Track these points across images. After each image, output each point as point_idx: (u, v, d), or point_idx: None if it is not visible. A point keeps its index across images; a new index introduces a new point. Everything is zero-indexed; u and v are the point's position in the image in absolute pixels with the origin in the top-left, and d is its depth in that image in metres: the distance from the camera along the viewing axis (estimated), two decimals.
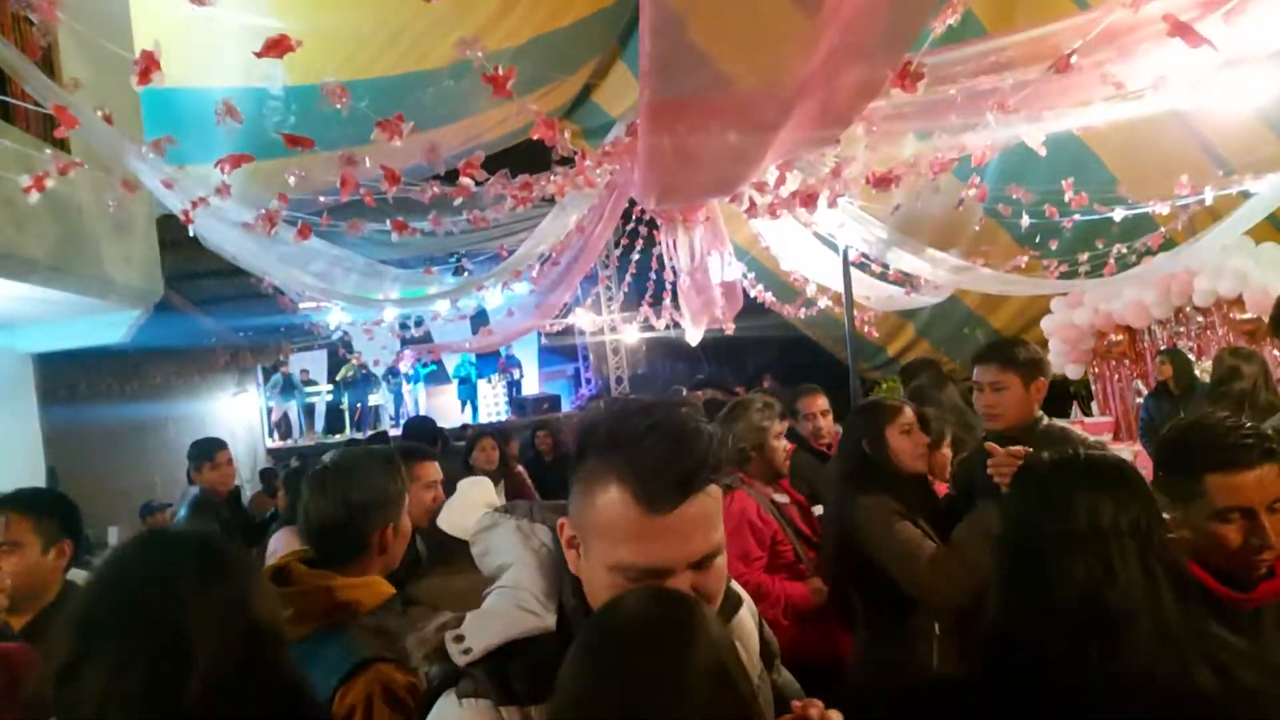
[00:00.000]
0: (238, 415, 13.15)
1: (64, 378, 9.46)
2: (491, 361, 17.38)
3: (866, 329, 9.75)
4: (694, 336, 9.78)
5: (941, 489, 3.40)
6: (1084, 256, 7.03)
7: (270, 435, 15.18)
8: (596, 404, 1.34)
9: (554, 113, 7.90)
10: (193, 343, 11.15)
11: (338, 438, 15.03)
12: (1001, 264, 7.12)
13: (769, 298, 10.13)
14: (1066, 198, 5.50)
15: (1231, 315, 8.31)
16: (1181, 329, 9.05)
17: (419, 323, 9.60)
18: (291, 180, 3.70)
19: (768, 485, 3.54)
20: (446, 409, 16.54)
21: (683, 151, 3.80)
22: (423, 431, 5.84)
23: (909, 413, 3.11)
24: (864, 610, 3.08)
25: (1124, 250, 6.86)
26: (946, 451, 3.68)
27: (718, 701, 0.97)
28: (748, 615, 1.40)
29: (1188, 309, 8.77)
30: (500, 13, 6.74)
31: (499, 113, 7.41)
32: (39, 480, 6.40)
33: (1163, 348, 8.42)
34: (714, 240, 7.37)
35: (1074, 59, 3.14)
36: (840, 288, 6.59)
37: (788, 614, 3.24)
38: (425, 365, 16.47)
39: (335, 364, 16.42)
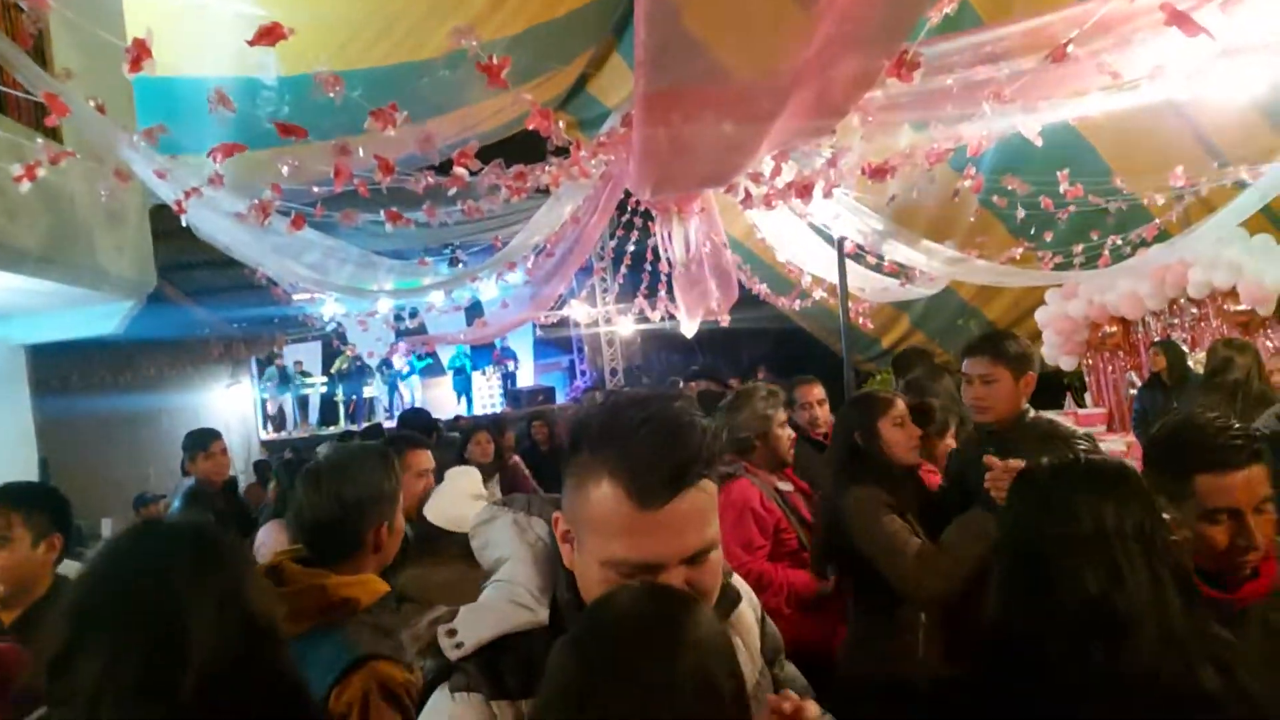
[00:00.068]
0: (232, 407, 13.14)
1: (57, 369, 9.41)
2: (486, 353, 17.38)
3: (861, 321, 9.76)
4: (689, 328, 9.79)
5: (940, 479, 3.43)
6: (1079, 248, 7.04)
7: (264, 427, 15.17)
8: (591, 396, 1.33)
9: (549, 103, 7.89)
10: (186, 334, 11.11)
11: (332, 430, 15.02)
12: (996, 256, 7.13)
13: (764, 289, 10.13)
14: (1062, 188, 5.50)
15: (1225, 307, 8.32)
16: (1175, 321, 9.07)
17: (413, 314, 9.59)
18: (285, 170, 3.68)
19: (772, 473, 3.55)
20: (442, 400, 16.56)
21: (678, 142, 3.78)
22: (418, 423, 5.84)
23: (901, 405, 3.14)
24: (853, 599, 3.10)
25: (1119, 242, 6.87)
26: (950, 442, 3.70)
27: (702, 703, 0.97)
28: (748, 610, 1.40)
29: (1182, 301, 8.79)
30: (495, 2, 6.71)
31: (494, 103, 7.38)
32: (31, 472, 6.38)
33: (1156, 339, 8.44)
34: (709, 231, 7.37)
35: (1070, 48, 3.13)
36: (835, 279, 6.58)
37: (790, 602, 3.25)
38: (420, 358, 16.46)
39: (329, 356, 16.41)
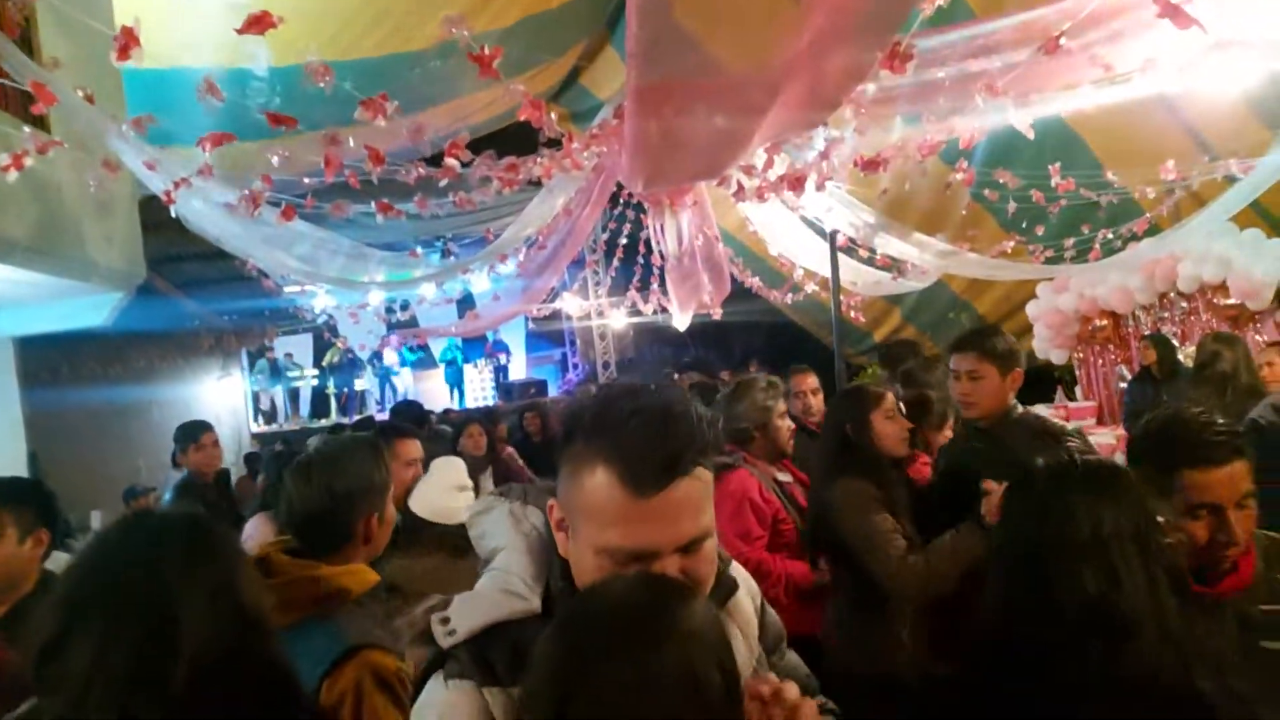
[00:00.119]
0: (222, 399, 13.09)
1: (45, 361, 9.37)
2: (478, 346, 17.35)
3: (853, 314, 9.77)
4: (681, 321, 9.79)
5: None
6: (1070, 242, 7.06)
7: (255, 419, 15.12)
8: (586, 388, 1.33)
9: (541, 96, 7.85)
10: (176, 326, 11.06)
11: (323, 422, 14.98)
12: (988, 249, 7.14)
13: (756, 283, 10.14)
14: (1053, 182, 5.51)
15: (1215, 301, 8.36)
16: (1165, 314, 9.10)
17: (404, 306, 9.56)
18: (275, 161, 3.66)
19: (771, 464, 3.57)
20: (433, 393, 16.52)
21: (670, 135, 3.77)
22: (410, 416, 5.84)
23: (892, 398, 3.19)
24: (839, 589, 3.12)
25: (1109, 236, 6.90)
26: (948, 434, 3.72)
27: (687, 697, 0.96)
28: (746, 599, 1.40)
29: (1172, 295, 8.82)
30: None
31: (485, 95, 7.36)
32: (20, 465, 6.35)
33: (1147, 333, 8.48)
34: (701, 224, 7.36)
35: (1063, 40, 3.14)
36: (827, 273, 6.59)
37: (789, 593, 3.27)
38: (412, 350, 16.43)
39: (320, 348, 16.35)
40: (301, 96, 3.58)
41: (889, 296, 10.37)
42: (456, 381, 17.11)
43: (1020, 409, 3.02)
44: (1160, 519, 1.43)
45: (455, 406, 15.71)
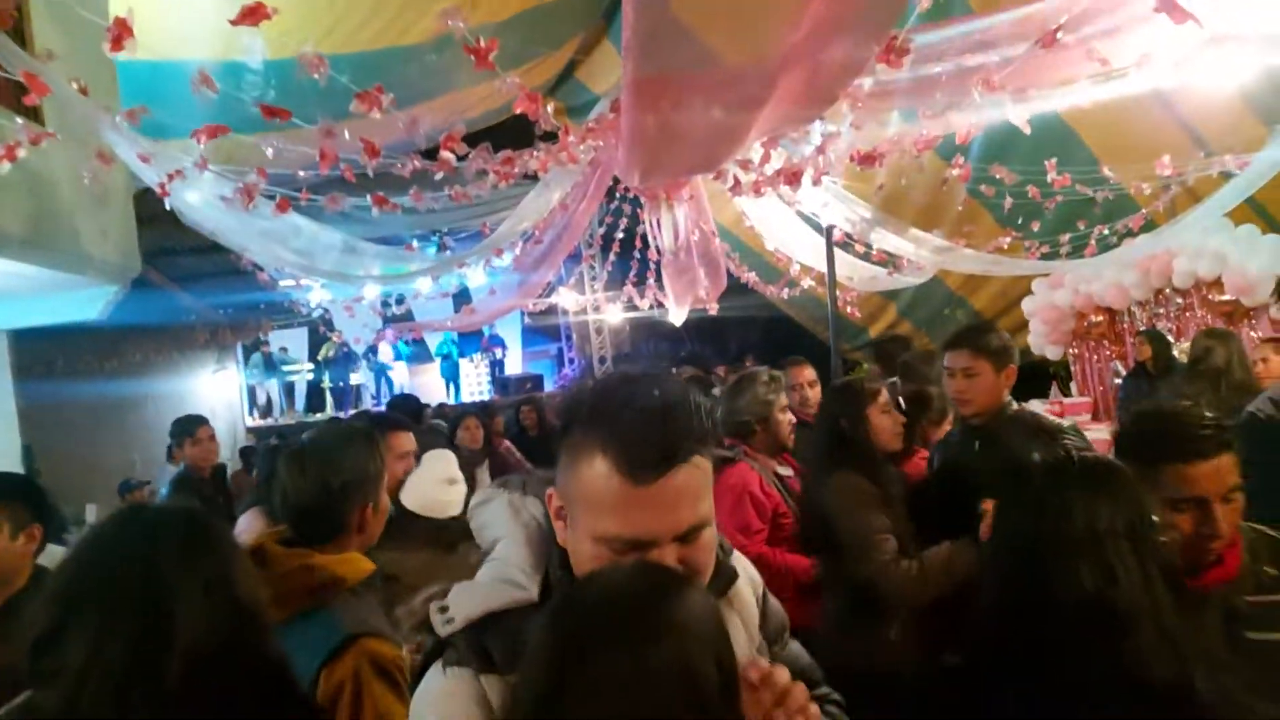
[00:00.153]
0: (218, 393, 13.07)
1: (40, 354, 9.35)
2: (474, 340, 17.33)
3: (849, 310, 9.77)
4: (677, 316, 9.80)
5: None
6: (1065, 238, 7.07)
7: (250, 414, 15.10)
8: (583, 380, 1.34)
9: (537, 90, 7.85)
10: (172, 320, 11.05)
11: (318, 416, 14.97)
12: (984, 245, 7.15)
13: (752, 278, 10.14)
14: (1049, 178, 5.52)
15: (1210, 297, 8.38)
16: (1161, 310, 9.12)
17: (400, 300, 9.54)
18: (270, 153, 3.64)
19: (772, 458, 3.57)
20: (429, 388, 16.51)
21: (667, 128, 3.77)
22: (407, 409, 5.83)
23: (885, 393, 3.20)
24: (830, 584, 3.13)
25: (1105, 232, 6.90)
26: (947, 428, 3.74)
27: (680, 689, 0.96)
28: (746, 588, 1.40)
29: (1167, 291, 8.84)
30: None
31: (481, 89, 7.34)
32: (14, 459, 6.34)
33: (1142, 329, 8.49)
34: (698, 219, 7.36)
35: (1060, 35, 3.14)
36: (823, 268, 6.59)
37: (789, 586, 3.27)
38: (407, 344, 16.40)
39: (316, 342, 16.32)
40: (296, 90, 3.57)
41: (885, 292, 10.37)
42: (452, 376, 17.10)
43: (1015, 406, 3.03)
44: (1155, 518, 1.43)
45: (451, 401, 15.71)
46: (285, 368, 15.94)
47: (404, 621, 1.26)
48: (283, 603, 1.79)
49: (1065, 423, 3.07)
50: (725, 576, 1.31)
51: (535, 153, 4.89)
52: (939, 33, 3.96)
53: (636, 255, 10.12)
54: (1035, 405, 4.45)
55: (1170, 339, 7.64)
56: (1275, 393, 3.22)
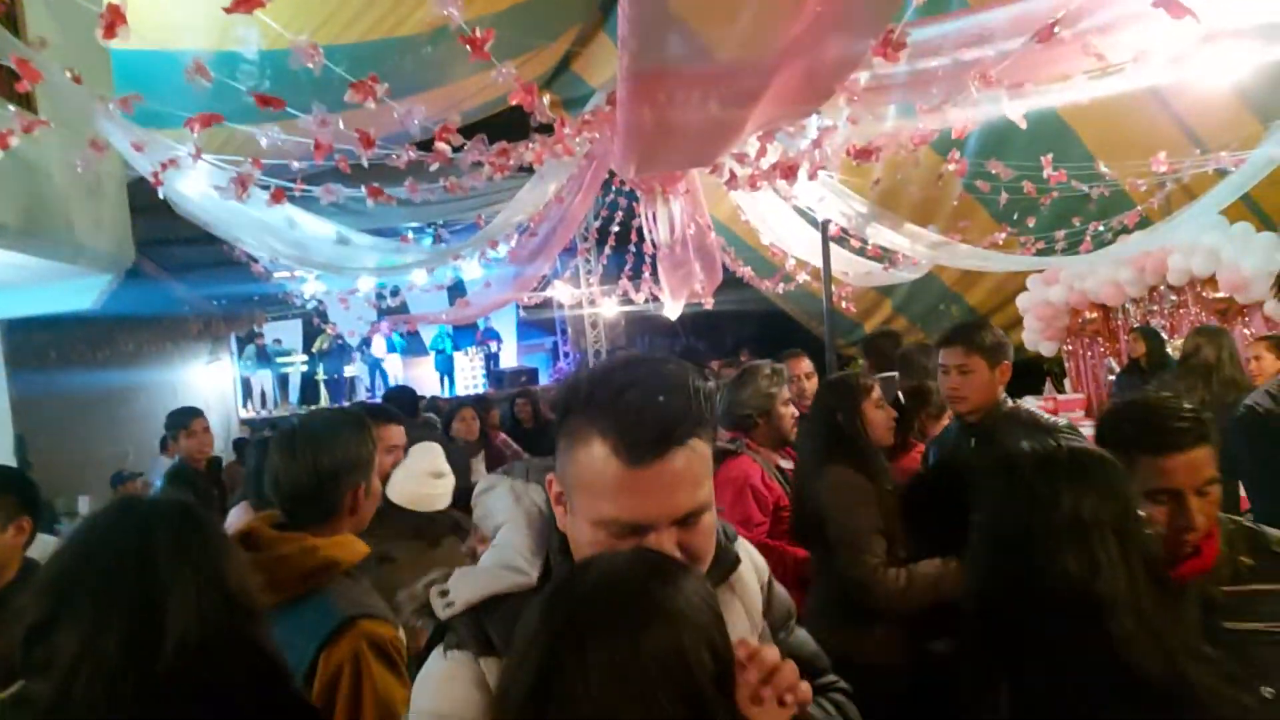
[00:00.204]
0: (211, 385, 13.02)
1: (33, 345, 9.31)
2: (469, 334, 17.30)
3: (844, 305, 9.78)
4: (673, 310, 9.79)
5: None
6: (1060, 234, 7.08)
7: (244, 405, 15.06)
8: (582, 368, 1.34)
9: (533, 82, 7.83)
10: (165, 310, 11.00)
11: (313, 409, 14.92)
12: (979, 240, 7.16)
13: (748, 272, 10.13)
14: (1045, 174, 5.52)
15: (1204, 294, 8.40)
16: (1155, 307, 9.14)
17: (395, 292, 9.52)
18: (264, 143, 3.63)
19: (774, 451, 3.59)
20: (423, 380, 16.48)
21: (663, 121, 3.76)
22: (403, 401, 5.83)
23: (878, 388, 3.22)
24: (818, 576, 3.14)
25: (1100, 228, 6.92)
26: (946, 422, 3.74)
27: (671, 677, 0.95)
28: (750, 574, 1.40)
29: (1161, 288, 8.86)
30: None
31: (477, 80, 7.33)
32: (7, 450, 6.31)
33: (1136, 326, 8.51)
34: (694, 213, 7.35)
35: (1056, 29, 3.14)
36: (819, 263, 6.59)
37: (790, 578, 3.28)
38: (401, 336, 16.37)
39: (310, 334, 16.27)
40: (291, 81, 3.55)
41: (880, 288, 10.38)
42: (446, 369, 17.07)
43: (1010, 403, 3.03)
44: (1142, 513, 1.44)
45: (445, 394, 15.68)
46: (279, 359, 15.91)
47: (405, 606, 1.27)
48: (278, 586, 1.80)
49: (1061, 420, 3.08)
50: (727, 562, 1.31)
51: (531, 145, 4.88)
52: (936, 27, 3.96)
53: (632, 249, 10.11)
54: (1029, 402, 4.47)
55: (1164, 336, 7.66)
56: (1272, 387, 3.23)
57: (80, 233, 5.16)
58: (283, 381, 16.16)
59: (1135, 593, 1.31)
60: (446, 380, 16.94)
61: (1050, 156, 5.54)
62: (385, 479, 2.85)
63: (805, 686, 1.08)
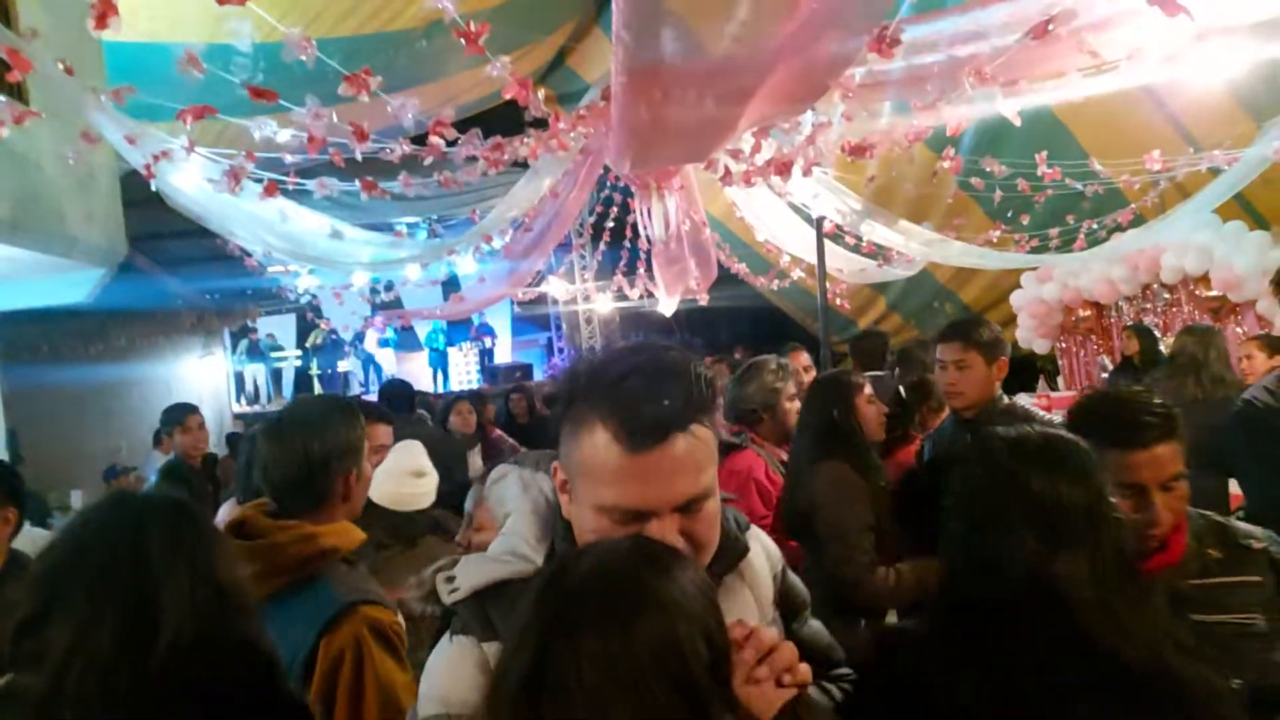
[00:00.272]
0: (204, 379, 12.97)
1: (25, 338, 9.25)
2: (464, 329, 17.28)
3: (839, 302, 9.79)
4: (668, 306, 9.78)
5: None
6: (1054, 232, 7.10)
7: (238, 400, 15.04)
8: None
9: (528, 77, 7.82)
10: (158, 305, 10.92)
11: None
12: (974, 238, 7.17)
13: (743, 269, 10.14)
14: (1040, 171, 5.53)
15: (1197, 292, 8.44)
16: (1148, 305, 9.18)
17: (389, 287, 9.49)
18: (257, 136, 3.62)
19: (778, 446, 3.58)
20: (417, 376, 16.45)
21: (657, 117, 3.76)
22: (399, 395, 5.81)
23: (869, 385, 3.24)
24: (807, 571, 3.15)
25: (1094, 226, 6.94)
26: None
27: (663, 667, 0.95)
28: (761, 563, 1.39)
29: (1154, 286, 8.89)
30: None
31: (471, 74, 7.31)
32: None
33: (1129, 323, 8.54)
34: (688, 209, 7.35)
35: (1051, 26, 3.14)
36: (814, 259, 6.60)
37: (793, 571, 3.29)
38: (395, 330, 16.35)
39: (304, 329, 16.25)
40: (286, 76, 3.54)
41: (874, 285, 10.40)
42: (440, 364, 17.05)
43: (1006, 399, 3.04)
44: (1115, 500, 1.44)
45: (438, 390, 15.67)
46: (273, 354, 15.88)
47: (413, 591, 1.29)
48: (276, 573, 1.80)
49: (1056, 418, 3.09)
50: (736, 550, 1.31)
51: (525, 139, 4.87)
52: (930, 24, 3.96)
53: (627, 245, 10.10)
54: (1023, 399, 4.48)
55: (1157, 334, 7.68)
56: (1270, 382, 3.25)
57: (72, 226, 5.14)
58: (276, 376, 16.15)
59: (1100, 576, 1.31)
60: (440, 375, 16.93)
61: (1044, 154, 5.56)
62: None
63: (805, 668, 1.08)
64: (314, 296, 11.10)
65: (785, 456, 3.58)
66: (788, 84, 3.68)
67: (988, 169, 5.79)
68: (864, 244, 7.68)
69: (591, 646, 0.95)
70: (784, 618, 1.43)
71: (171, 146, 4.00)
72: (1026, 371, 10.14)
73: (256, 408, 14.94)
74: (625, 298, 12.83)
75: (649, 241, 7.94)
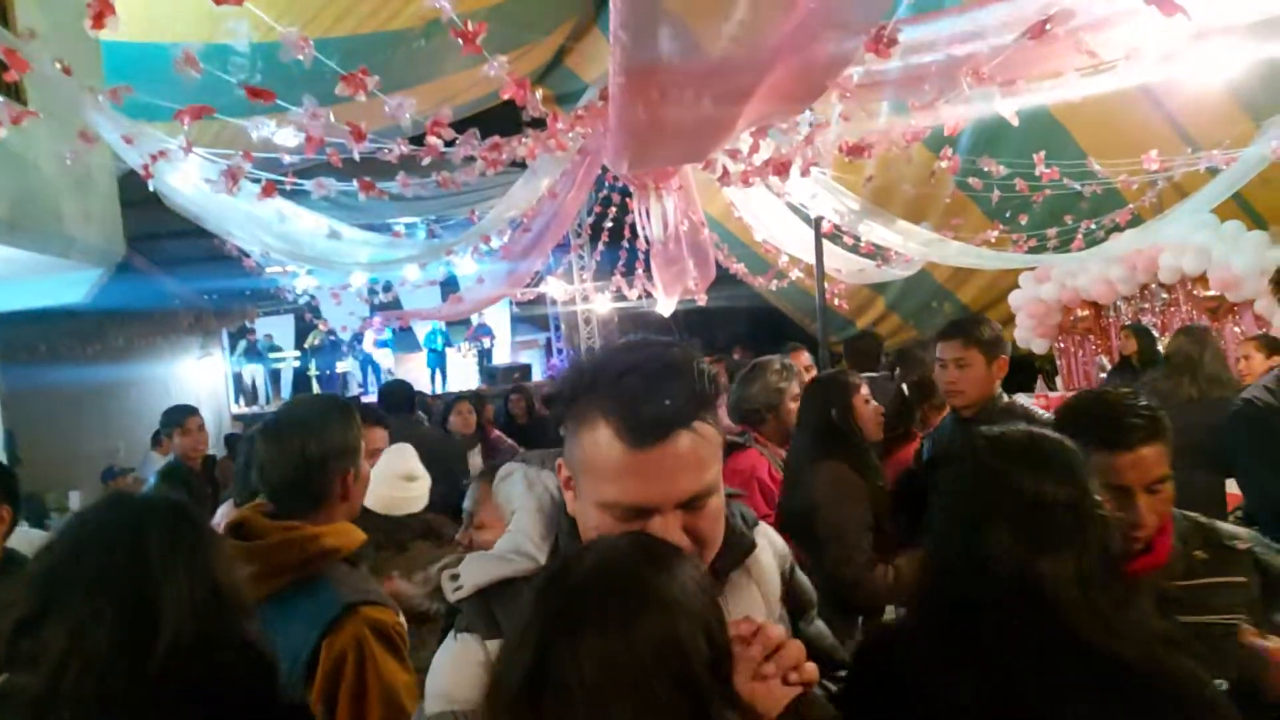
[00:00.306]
0: (203, 380, 12.96)
1: (23, 339, 9.24)
2: (462, 329, 17.27)
3: (837, 302, 9.80)
4: (666, 307, 9.78)
5: None
6: (1053, 232, 7.11)
7: (236, 401, 15.03)
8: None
9: (526, 77, 7.82)
10: (156, 305, 10.90)
11: None
12: (972, 238, 7.18)
13: (741, 269, 10.15)
14: (1037, 171, 5.54)
15: (1195, 292, 8.45)
16: (1146, 305, 9.19)
17: (387, 288, 9.49)
18: (255, 136, 3.61)
19: (781, 446, 3.59)
20: (414, 376, 16.42)
21: (655, 117, 3.75)
22: (400, 395, 5.80)
23: (865, 385, 3.27)
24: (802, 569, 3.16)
25: (1092, 226, 6.94)
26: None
27: (663, 666, 0.94)
28: (769, 560, 1.39)
29: (1153, 286, 8.90)
30: None
31: (469, 75, 7.31)
32: None
33: (1127, 323, 8.54)
34: (687, 209, 7.35)
35: (1048, 26, 3.14)
36: (812, 259, 6.60)
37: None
38: (393, 330, 16.33)
39: (302, 329, 16.24)
40: (283, 76, 3.54)
41: (873, 285, 10.41)
42: (439, 365, 17.04)
43: (1006, 398, 3.05)
44: (1100, 498, 1.44)
45: (439, 390, 15.67)
46: (271, 355, 15.87)
47: (419, 588, 1.30)
48: (277, 573, 1.80)
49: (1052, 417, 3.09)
50: (742, 546, 1.31)
51: (523, 139, 4.86)
52: (928, 25, 3.96)
53: (625, 245, 10.11)
54: (1021, 399, 4.48)
55: (1155, 334, 7.69)
56: (1270, 381, 3.26)
57: (70, 226, 5.14)
58: (275, 377, 16.13)
59: (1086, 575, 1.31)
60: (439, 376, 16.91)
61: (1042, 154, 5.56)
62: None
63: (811, 666, 1.08)
64: (312, 297, 11.10)
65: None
66: (785, 84, 3.67)
67: (985, 169, 5.79)
68: (862, 244, 7.68)
69: (592, 645, 0.94)
70: (790, 615, 1.43)
71: (169, 146, 4.00)
72: (1025, 371, 10.14)
73: (255, 408, 14.92)
74: (624, 298, 12.84)
75: (647, 242, 7.93)
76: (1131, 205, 6.75)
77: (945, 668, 1.30)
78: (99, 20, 2.76)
